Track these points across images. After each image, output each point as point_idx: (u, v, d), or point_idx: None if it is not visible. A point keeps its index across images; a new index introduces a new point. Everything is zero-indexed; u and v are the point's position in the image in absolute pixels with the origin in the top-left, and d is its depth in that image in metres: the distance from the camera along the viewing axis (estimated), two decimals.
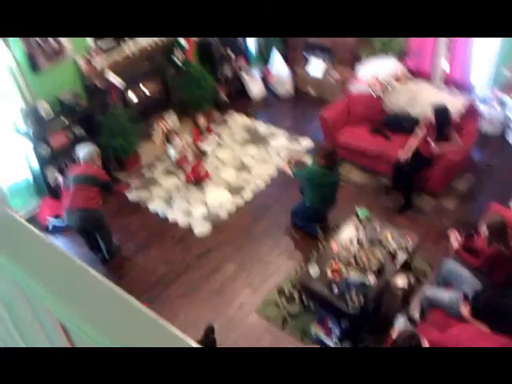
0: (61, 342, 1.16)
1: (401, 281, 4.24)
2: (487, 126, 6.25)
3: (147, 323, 0.87)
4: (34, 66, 5.16)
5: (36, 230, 1.06)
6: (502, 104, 6.25)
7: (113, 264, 4.88)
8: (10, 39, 4.84)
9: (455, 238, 4.11)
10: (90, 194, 4.57)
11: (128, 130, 5.78)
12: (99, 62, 5.60)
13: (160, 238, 5.22)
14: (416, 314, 4.12)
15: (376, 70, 6.38)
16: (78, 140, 5.52)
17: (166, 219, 5.44)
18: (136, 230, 5.33)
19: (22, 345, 1.45)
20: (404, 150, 5.28)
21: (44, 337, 1.22)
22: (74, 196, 4.55)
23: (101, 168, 4.89)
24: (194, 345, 0.86)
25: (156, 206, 5.61)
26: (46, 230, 5.33)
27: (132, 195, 5.79)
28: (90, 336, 0.87)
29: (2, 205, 1.01)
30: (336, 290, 4.04)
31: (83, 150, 4.80)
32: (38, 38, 5.10)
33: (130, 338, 0.84)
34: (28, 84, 5.12)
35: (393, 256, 4.28)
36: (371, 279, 4.08)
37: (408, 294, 4.28)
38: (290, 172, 5.05)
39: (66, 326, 0.98)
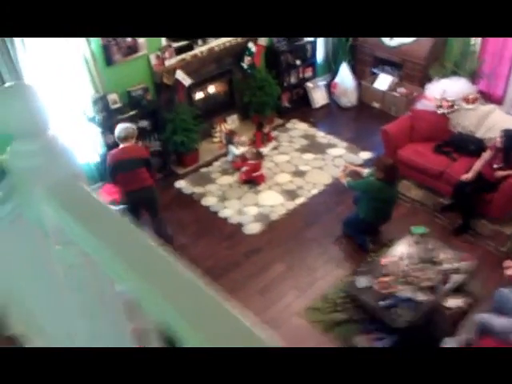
0: (120, 315, 1.21)
1: (452, 302, 4.10)
2: None
3: (226, 317, 0.87)
4: (108, 59, 5.40)
5: (109, 206, 1.09)
6: None
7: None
8: None
9: (509, 268, 3.94)
10: (142, 175, 4.63)
11: (190, 127, 5.94)
12: (170, 60, 5.81)
13: (210, 233, 5.30)
14: (465, 339, 3.96)
15: (445, 90, 6.26)
16: (141, 132, 5.73)
17: (217, 216, 5.53)
18: (187, 224, 5.43)
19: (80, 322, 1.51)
20: (467, 171, 5.14)
21: (104, 308, 1.26)
22: (128, 181, 4.59)
23: (140, 146, 4.91)
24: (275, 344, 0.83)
25: (209, 202, 5.72)
26: None
27: (187, 190, 5.92)
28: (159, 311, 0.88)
29: (77, 178, 1.07)
30: (383, 303, 3.97)
31: (123, 128, 4.71)
32: None
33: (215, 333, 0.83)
34: (101, 75, 5.36)
35: (446, 277, 4.17)
36: (421, 296, 3.98)
37: (458, 316, 4.12)
38: (344, 182, 5.01)
39: (137, 302, 1.00)
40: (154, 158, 5.95)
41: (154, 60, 5.73)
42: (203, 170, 6.24)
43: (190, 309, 0.86)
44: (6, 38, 4.48)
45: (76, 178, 1.11)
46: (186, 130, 5.88)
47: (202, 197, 5.80)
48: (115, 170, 4.60)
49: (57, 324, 1.83)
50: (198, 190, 5.91)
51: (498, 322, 3.73)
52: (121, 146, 4.68)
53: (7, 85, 1.03)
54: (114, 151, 4.73)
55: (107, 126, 5.42)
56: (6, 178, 1.22)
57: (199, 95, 6.53)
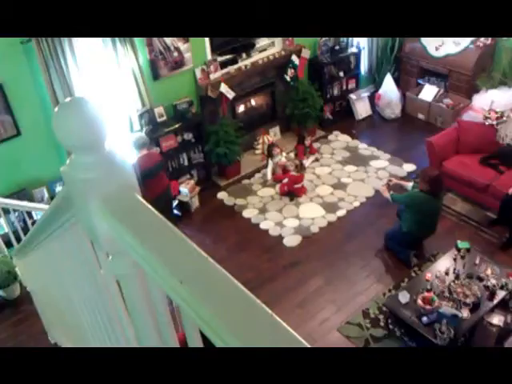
0: (167, 325, 1.25)
1: (497, 319, 3.97)
2: None
3: (269, 324, 0.90)
4: (155, 73, 5.59)
5: (163, 218, 1.13)
6: None
7: None
8: (139, 48, 5.29)
9: None
10: (164, 178, 5.09)
11: (233, 139, 6.04)
12: (215, 74, 5.95)
13: (250, 244, 5.34)
14: None
15: (493, 100, 6.10)
16: (186, 144, 5.89)
17: (257, 227, 5.57)
18: (228, 235, 5.50)
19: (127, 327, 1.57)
20: None
21: (152, 318, 1.31)
22: (155, 186, 4.87)
23: (154, 150, 5.27)
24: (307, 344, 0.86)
25: (250, 213, 5.77)
26: None
27: (228, 201, 6.00)
28: (203, 320, 0.91)
29: (131, 190, 1.13)
30: (425, 319, 3.89)
31: (140, 137, 5.03)
32: (162, 48, 5.53)
33: (253, 337, 0.86)
34: (148, 89, 5.53)
35: (491, 292, 4.04)
36: (464, 313, 3.88)
37: (503, 333, 3.98)
38: (388, 196, 4.94)
39: (181, 310, 1.03)
40: (196, 170, 6.13)
41: (199, 74, 5.88)
42: (245, 181, 6.31)
43: (238, 323, 0.89)
44: (59, 54, 4.72)
45: (130, 189, 1.17)
46: (229, 142, 5.98)
47: (243, 208, 5.86)
48: (144, 178, 4.79)
49: (100, 333, 1.91)
50: (239, 201, 5.98)
51: None
52: (139, 153, 4.90)
53: (68, 99, 1.10)
54: (139, 160, 4.89)
55: (153, 139, 5.60)
56: (64, 188, 1.30)
57: (242, 108, 6.64)
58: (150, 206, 1.14)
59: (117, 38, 5.06)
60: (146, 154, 4.92)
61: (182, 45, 5.66)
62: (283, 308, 4.54)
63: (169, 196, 5.26)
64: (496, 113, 5.90)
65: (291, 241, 5.33)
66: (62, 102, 1.10)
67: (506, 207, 4.98)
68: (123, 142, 5.29)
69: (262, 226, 5.57)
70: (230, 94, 6.02)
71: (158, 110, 5.71)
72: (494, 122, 5.84)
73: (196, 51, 5.78)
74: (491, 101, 6.12)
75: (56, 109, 1.06)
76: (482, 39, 6.65)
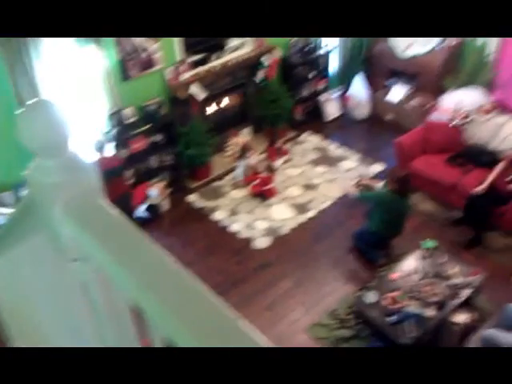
0: (130, 330, 1.24)
1: (461, 317, 4.04)
2: None
3: (233, 326, 0.90)
4: (124, 74, 5.51)
5: (127, 221, 1.12)
6: None
7: None
8: (107, 48, 5.22)
9: None
10: (118, 185, 5.07)
11: (203, 141, 6.01)
12: (185, 74, 5.91)
13: (220, 247, 5.33)
14: None
15: (460, 101, 6.21)
16: (156, 146, 5.85)
17: (227, 229, 5.56)
18: (197, 237, 5.48)
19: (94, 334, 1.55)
20: (480, 184, 5.07)
21: (116, 323, 1.30)
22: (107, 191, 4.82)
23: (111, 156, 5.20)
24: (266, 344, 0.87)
25: (220, 215, 5.76)
26: None
27: (198, 204, 5.98)
28: (167, 327, 0.90)
29: (96, 195, 1.11)
30: (391, 319, 3.95)
31: (100, 140, 5.10)
32: (131, 49, 5.46)
33: (216, 339, 0.87)
34: (117, 90, 5.47)
35: (456, 291, 4.12)
36: (430, 312, 3.95)
37: (467, 331, 4.06)
38: (354, 195, 4.99)
39: (146, 317, 1.02)
40: (166, 172, 6.09)
41: (169, 74, 5.83)
42: (215, 183, 6.30)
43: (200, 326, 0.89)
44: (23, 53, 4.62)
45: (94, 193, 1.15)
46: (199, 144, 5.96)
47: (213, 211, 5.84)
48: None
49: (66, 338, 1.89)
50: (209, 203, 5.96)
51: (508, 338, 3.68)
52: (98, 155, 4.89)
53: (30, 102, 1.07)
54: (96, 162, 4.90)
55: (121, 141, 5.54)
56: (28, 192, 1.27)
57: (212, 109, 6.61)
58: (113, 211, 1.12)
59: (85, 38, 4.97)
60: (103, 157, 4.89)
61: (151, 45, 5.60)
62: (252, 311, 4.55)
63: (125, 204, 5.05)
64: (462, 113, 6.01)
65: (261, 243, 5.34)
66: (27, 104, 1.08)
67: (471, 207, 5.08)
68: (88, 143, 5.22)
69: (233, 228, 5.57)
70: (200, 95, 5.99)
71: (128, 112, 5.64)
72: (461, 122, 5.95)
73: (166, 51, 5.72)
74: (458, 101, 6.22)
75: (21, 110, 1.05)
76: (449, 40, 6.76)
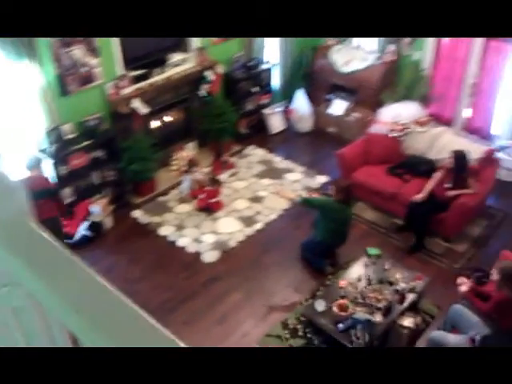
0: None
1: (407, 321, 4.14)
2: (505, 175, 6.20)
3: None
4: (63, 89, 5.35)
5: (56, 243, 1.07)
6: None
7: (116, 286, 4.83)
8: (45, 62, 5.06)
9: (463, 284, 4.03)
10: (47, 207, 4.68)
11: (147, 156, 5.91)
12: (126, 89, 5.82)
13: (167, 263, 5.22)
14: None
15: (398, 113, 6.46)
16: (97, 162, 5.68)
17: (174, 245, 5.45)
18: (143, 254, 5.33)
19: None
20: (419, 192, 5.27)
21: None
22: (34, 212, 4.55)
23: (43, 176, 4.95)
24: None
25: (166, 231, 5.64)
26: None
27: (143, 220, 5.84)
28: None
29: (24, 216, 1.05)
30: (341, 326, 3.98)
31: (33, 158, 4.81)
32: (70, 63, 5.31)
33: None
34: (55, 106, 5.30)
35: (401, 296, 4.21)
36: (378, 317, 4.02)
37: (414, 335, 4.16)
38: (298, 200, 5.04)
39: (79, 340, 0.98)
40: (109, 188, 5.92)
41: (109, 89, 5.72)
42: (160, 198, 6.18)
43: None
44: None
45: (23, 215, 1.09)
46: (143, 159, 5.84)
47: (159, 226, 5.72)
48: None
49: None
50: (154, 219, 5.83)
51: (453, 339, 3.80)
52: (29, 173, 4.69)
53: None
54: (25, 180, 4.69)
55: (60, 158, 5.35)
56: None
57: (156, 124, 6.53)
58: (43, 233, 1.06)
59: (22, 52, 4.79)
60: (33, 176, 4.68)
61: (91, 60, 5.48)
62: (203, 326, 4.47)
63: (54, 228, 4.64)
64: (400, 125, 6.25)
65: (209, 256, 5.28)
66: None
67: (412, 214, 5.26)
68: (22, 162, 5.00)
69: (179, 243, 5.47)
70: (143, 110, 5.90)
71: (67, 127, 5.46)
72: (399, 134, 6.19)
73: (106, 66, 5.61)
74: (396, 114, 6.46)
75: None
76: (387, 55, 7.04)
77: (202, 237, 5.53)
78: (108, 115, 5.83)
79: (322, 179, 6.46)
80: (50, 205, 4.74)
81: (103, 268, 5.02)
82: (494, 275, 3.85)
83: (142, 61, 6.01)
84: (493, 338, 3.60)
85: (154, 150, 6.03)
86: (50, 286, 0.97)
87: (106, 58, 5.59)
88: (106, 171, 5.86)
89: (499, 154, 6.05)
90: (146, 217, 5.87)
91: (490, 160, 5.66)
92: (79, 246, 5.24)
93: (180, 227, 5.69)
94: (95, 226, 5.54)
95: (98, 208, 5.58)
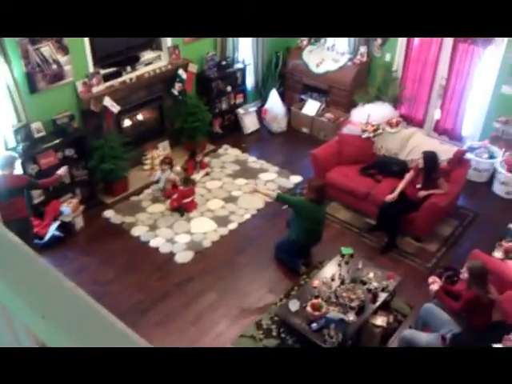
0: None
1: (380, 320, 4.19)
2: (474, 175, 6.35)
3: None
4: (32, 86, 5.22)
5: (22, 244, 1.04)
6: (490, 154, 6.38)
7: (86, 288, 4.73)
8: (13, 59, 4.93)
9: (434, 283, 4.10)
10: (17, 205, 4.59)
11: (119, 155, 5.82)
12: (98, 87, 5.72)
13: (140, 263, 5.14)
14: None
15: (369, 114, 6.53)
16: (67, 161, 5.55)
17: (148, 245, 5.38)
18: (116, 255, 5.24)
19: None
20: (390, 192, 5.34)
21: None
22: (4, 211, 4.48)
23: (18, 174, 4.86)
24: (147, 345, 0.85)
25: (139, 231, 5.56)
26: None
27: (115, 220, 5.75)
28: None
29: None
30: (314, 326, 4.00)
31: (5, 156, 4.70)
32: (39, 61, 5.19)
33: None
34: (24, 103, 5.17)
35: (374, 295, 4.26)
36: (350, 316, 4.05)
37: (387, 333, 4.22)
38: (273, 196, 5.06)
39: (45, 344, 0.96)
40: (80, 188, 5.81)
41: (80, 87, 5.61)
42: (133, 198, 6.10)
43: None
44: None
45: None
46: (115, 158, 5.75)
47: (131, 226, 5.63)
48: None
49: None
50: (127, 219, 5.74)
51: (425, 337, 3.86)
52: (1, 172, 4.60)
53: None
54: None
55: (29, 156, 5.22)
56: None
57: (128, 122, 6.44)
58: (8, 235, 1.03)
59: None
60: (6, 175, 4.57)
61: (61, 57, 5.36)
62: (177, 327, 4.42)
63: (22, 229, 4.47)
64: (372, 126, 6.32)
65: (183, 257, 5.23)
66: None
67: (384, 213, 5.33)
68: None
69: (152, 243, 5.40)
70: (115, 108, 5.81)
71: (36, 126, 5.33)
72: (371, 135, 6.26)
73: (76, 64, 5.51)
74: (368, 115, 6.54)
75: None
76: (359, 57, 7.12)
77: (176, 237, 5.48)
78: (79, 113, 5.72)
79: (295, 179, 6.48)
80: (21, 204, 4.63)
81: (74, 269, 4.93)
82: (463, 274, 3.94)
83: (114, 59, 5.92)
84: (463, 336, 3.68)
85: (125, 148, 5.95)
86: (13, 288, 0.94)
87: (77, 56, 5.49)
88: (76, 170, 5.75)
89: (469, 155, 6.19)
90: (118, 217, 5.78)
91: (460, 161, 5.78)
92: (49, 247, 5.13)
93: (153, 227, 5.62)
94: (66, 227, 5.42)
95: (69, 208, 5.47)
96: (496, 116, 6.34)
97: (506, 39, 5.96)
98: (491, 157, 6.36)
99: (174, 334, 4.35)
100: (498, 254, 4.71)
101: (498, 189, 6.26)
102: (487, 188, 6.36)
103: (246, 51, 7.51)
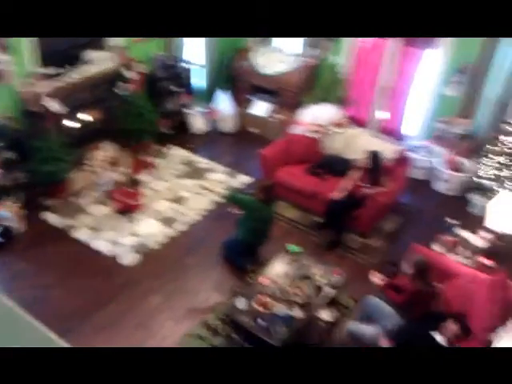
0: None
1: (326, 315, 4.23)
2: (416, 173, 6.56)
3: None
4: None
5: None
6: (432, 153, 6.61)
7: (24, 294, 4.48)
8: None
9: (376, 278, 4.18)
10: None
11: (61, 156, 5.63)
12: (40, 87, 5.54)
13: (83, 268, 4.98)
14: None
15: (317, 115, 6.63)
16: (6, 163, 5.34)
17: (91, 248, 5.22)
18: (58, 259, 5.06)
19: None
20: (337, 190, 5.44)
21: None
22: None
23: None
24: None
25: (81, 234, 5.39)
26: None
27: (57, 222, 5.56)
28: None
29: None
30: (262, 323, 3.99)
31: None
32: None
33: None
34: None
35: (320, 291, 4.31)
36: (297, 312, 4.07)
37: (332, 328, 4.27)
38: (225, 195, 5.07)
39: None
40: (20, 191, 5.59)
41: (21, 87, 5.42)
42: (76, 200, 5.91)
43: None
44: None
45: None
46: (56, 160, 5.56)
47: (73, 229, 5.45)
48: None
49: None
50: (69, 222, 5.56)
51: (368, 330, 3.93)
52: None
53: None
54: None
55: None
56: None
57: (73, 123, 6.25)
58: None
59: None
60: None
61: (1, 56, 5.17)
62: (122, 331, 4.31)
63: None
64: (319, 126, 6.42)
65: (128, 259, 5.10)
66: None
67: (330, 211, 5.41)
68: None
69: (96, 246, 5.24)
70: (57, 108, 5.64)
71: None
72: (318, 135, 6.35)
73: (17, 63, 5.33)
74: (315, 115, 6.63)
75: None
76: (307, 59, 7.21)
77: (121, 239, 5.34)
78: (19, 114, 5.53)
79: (244, 179, 6.48)
80: None
81: (15, 274, 4.74)
82: (405, 268, 4.04)
83: (57, 58, 5.75)
84: (406, 328, 3.77)
85: (68, 150, 5.77)
86: None
87: (18, 55, 5.32)
88: (16, 173, 5.52)
89: (412, 154, 6.38)
90: (61, 220, 5.58)
91: (402, 159, 5.95)
92: None
93: (97, 230, 5.47)
94: (5, 231, 5.20)
95: (9, 212, 5.26)
96: (438, 116, 6.58)
97: (448, 41, 6.18)
98: (433, 156, 6.58)
99: (118, 338, 4.23)
100: (437, 247, 4.88)
101: (439, 186, 6.49)
102: (429, 185, 6.59)
103: (196, 52, 7.47)
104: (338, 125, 6.51)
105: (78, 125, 6.23)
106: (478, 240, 5.00)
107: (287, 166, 6.09)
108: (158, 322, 4.44)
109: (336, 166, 5.96)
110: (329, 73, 7.24)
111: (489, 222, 4.92)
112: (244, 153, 7.07)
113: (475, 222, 5.32)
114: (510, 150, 5.56)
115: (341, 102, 7.18)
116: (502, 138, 5.64)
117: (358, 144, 6.13)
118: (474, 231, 5.13)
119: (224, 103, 7.53)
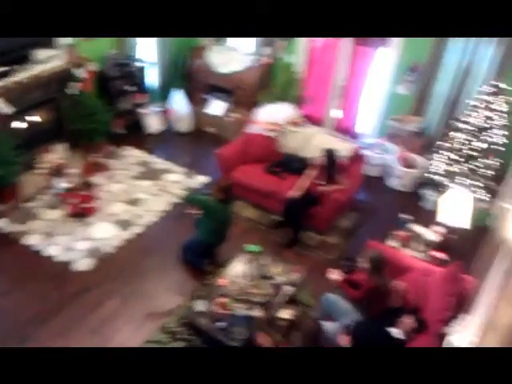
0: None
1: (287, 313, 4.25)
2: (371, 170, 6.69)
3: None
4: None
5: None
6: (385, 151, 6.75)
7: None
8: None
9: (334, 275, 4.22)
10: None
11: (9, 159, 5.39)
12: None
13: (35, 273, 4.80)
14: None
15: (273, 114, 6.65)
16: None
17: (43, 254, 5.04)
18: (7, 266, 4.87)
19: None
20: (294, 189, 5.46)
21: None
22: None
23: None
24: None
25: (33, 240, 5.19)
26: None
27: (7, 228, 5.33)
28: None
29: None
30: (221, 324, 3.97)
31: None
32: None
33: None
34: None
35: (278, 290, 4.31)
36: (257, 312, 4.07)
37: (292, 326, 4.28)
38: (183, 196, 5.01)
39: None
40: None
41: None
42: (26, 205, 5.68)
43: None
44: None
45: None
46: (4, 163, 5.32)
47: (22, 235, 5.24)
48: None
49: None
50: (19, 227, 5.34)
51: (329, 326, 3.98)
52: None
53: None
54: None
55: None
56: None
57: (21, 124, 6.01)
58: None
59: None
60: None
61: None
62: (78, 337, 4.19)
63: None
64: (276, 125, 6.43)
65: (83, 264, 4.96)
66: None
67: (288, 210, 5.43)
68: None
69: (48, 252, 5.06)
70: (6, 109, 5.42)
71: None
72: (274, 134, 6.37)
73: None
74: (271, 114, 6.65)
75: None
76: (263, 58, 7.22)
77: (75, 244, 5.18)
78: None
79: (202, 179, 6.42)
80: None
81: None
82: (362, 264, 4.10)
83: (4, 57, 5.51)
84: (364, 324, 3.83)
85: (17, 152, 5.53)
86: None
87: None
88: None
89: (366, 152, 6.50)
90: (10, 225, 5.36)
91: (357, 157, 6.05)
92: None
93: (49, 235, 5.27)
94: None
95: None
96: (391, 114, 6.72)
97: (400, 41, 6.32)
98: (387, 153, 6.73)
99: (75, 344, 4.11)
100: (392, 242, 4.98)
101: (392, 182, 6.64)
102: (383, 182, 6.73)
103: (150, 50, 7.34)
104: (294, 123, 6.56)
105: (24, 125, 6.00)
106: (430, 234, 5.14)
107: (245, 165, 6.08)
108: (116, 326, 4.34)
109: (293, 165, 6.00)
110: (284, 72, 7.27)
111: (440, 217, 5.06)
112: (201, 153, 7.00)
113: (428, 217, 5.47)
114: (459, 146, 5.74)
115: (296, 100, 7.23)
116: (451, 134, 5.81)
117: (313, 142, 6.19)
118: (426, 226, 5.27)
119: (179, 102, 7.43)
